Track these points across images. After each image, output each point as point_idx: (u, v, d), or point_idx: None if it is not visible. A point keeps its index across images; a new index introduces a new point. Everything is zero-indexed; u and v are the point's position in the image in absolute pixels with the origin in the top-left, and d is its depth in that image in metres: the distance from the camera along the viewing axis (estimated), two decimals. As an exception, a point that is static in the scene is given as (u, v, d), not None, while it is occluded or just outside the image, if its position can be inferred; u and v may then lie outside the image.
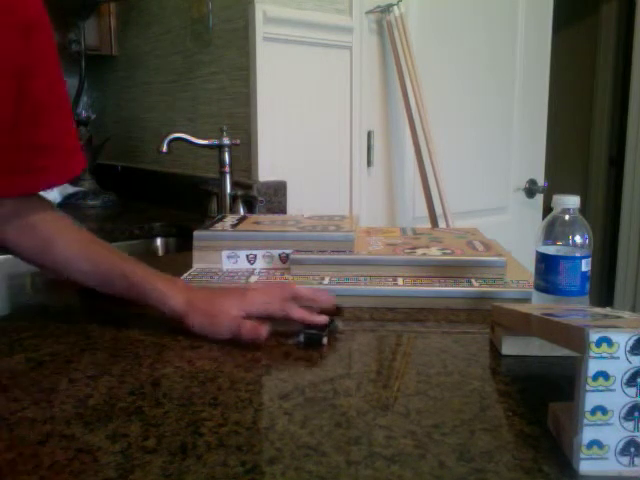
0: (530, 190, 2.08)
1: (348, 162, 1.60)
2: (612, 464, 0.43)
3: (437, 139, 1.63)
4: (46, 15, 0.71)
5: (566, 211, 0.70)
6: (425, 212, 1.66)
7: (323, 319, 0.70)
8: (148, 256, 1.43)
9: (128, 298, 0.75)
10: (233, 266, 0.93)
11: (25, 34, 0.68)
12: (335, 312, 0.74)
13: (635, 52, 2.70)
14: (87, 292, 0.79)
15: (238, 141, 1.39)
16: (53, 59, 0.74)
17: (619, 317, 0.51)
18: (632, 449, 0.43)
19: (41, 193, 0.79)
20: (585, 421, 0.42)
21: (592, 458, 0.43)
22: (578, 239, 0.70)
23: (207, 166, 1.60)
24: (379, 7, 1.60)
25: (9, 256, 0.79)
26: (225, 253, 0.93)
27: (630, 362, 0.42)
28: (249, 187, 1.40)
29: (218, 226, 0.99)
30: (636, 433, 0.42)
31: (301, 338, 0.69)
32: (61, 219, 0.80)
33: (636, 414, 0.42)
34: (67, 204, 1.76)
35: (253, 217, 1.10)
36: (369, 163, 1.65)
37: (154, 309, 0.73)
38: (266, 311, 0.71)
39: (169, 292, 0.72)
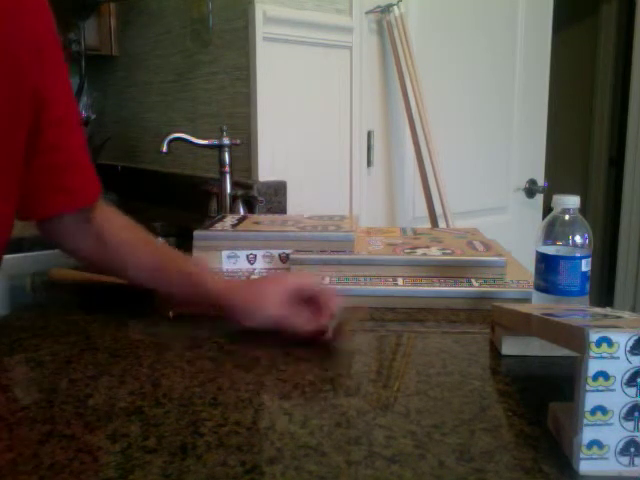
0: (530, 190, 2.08)
1: (348, 162, 1.59)
2: (612, 464, 0.43)
3: (437, 139, 1.63)
4: (56, 34, 0.71)
5: (566, 211, 0.70)
6: (425, 212, 1.66)
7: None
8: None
9: (178, 289, 0.76)
10: (233, 266, 0.93)
11: (37, 54, 0.67)
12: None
13: (635, 52, 2.70)
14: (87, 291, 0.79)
15: (238, 141, 1.39)
16: (66, 79, 0.73)
17: (619, 317, 0.51)
18: (632, 449, 0.43)
19: None
20: (585, 421, 0.42)
21: (592, 458, 0.43)
22: (578, 239, 0.70)
23: (207, 166, 1.60)
24: (379, 7, 1.60)
25: (9, 256, 0.79)
26: (225, 253, 0.93)
27: (630, 362, 0.42)
28: (249, 187, 1.40)
29: (218, 226, 0.99)
30: (636, 433, 0.42)
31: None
32: (113, 214, 0.82)
33: (636, 414, 0.42)
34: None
35: (253, 217, 1.10)
36: (369, 163, 1.65)
37: (197, 298, 0.74)
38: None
39: (212, 277, 0.75)
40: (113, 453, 0.46)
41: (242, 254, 0.93)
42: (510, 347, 0.66)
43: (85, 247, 0.80)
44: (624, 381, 0.42)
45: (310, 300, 0.71)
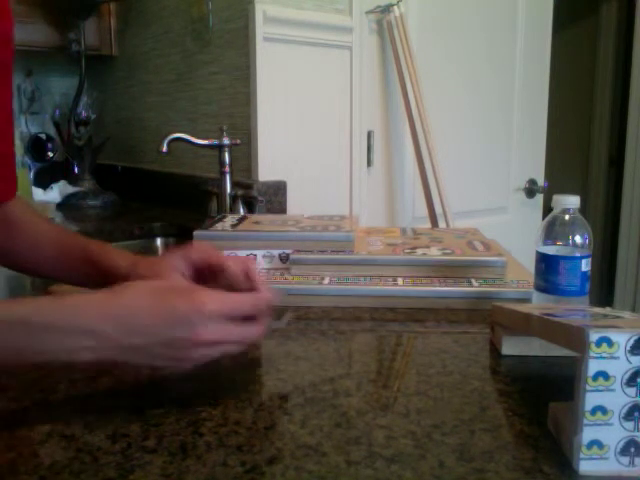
0: (530, 190, 2.08)
1: (348, 162, 1.59)
2: (612, 464, 0.43)
3: (437, 139, 1.63)
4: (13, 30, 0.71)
5: (566, 211, 0.70)
6: (425, 212, 1.66)
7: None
8: (148, 256, 1.43)
9: (88, 280, 0.73)
10: (233, 266, 0.93)
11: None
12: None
13: (635, 52, 2.70)
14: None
15: (238, 141, 1.39)
16: (11, 72, 0.73)
17: (619, 317, 0.51)
18: (632, 449, 0.43)
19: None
20: (585, 421, 0.42)
21: (592, 458, 0.43)
22: (578, 239, 0.70)
23: (207, 166, 1.60)
24: (379, 7, 1.60)
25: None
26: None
27: (630, 362, 0.42)
28: (249, 187, 1.40)
29: (218, 226, 0.99)
30: (636, 433, 0.42)
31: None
32: (29, 209, 0.79)
33: (636, 414, 0.42)
34: (67, 204, 1.76)
35: (253, 217, 1.10)
36: (369, 163, 1.65)
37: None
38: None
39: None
40: (113, 453, 0.46)
41: (242, 254, 0.93)
42: (510, 347, 0.66)
43: None
44: (624, 381, 0.42)
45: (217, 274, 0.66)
